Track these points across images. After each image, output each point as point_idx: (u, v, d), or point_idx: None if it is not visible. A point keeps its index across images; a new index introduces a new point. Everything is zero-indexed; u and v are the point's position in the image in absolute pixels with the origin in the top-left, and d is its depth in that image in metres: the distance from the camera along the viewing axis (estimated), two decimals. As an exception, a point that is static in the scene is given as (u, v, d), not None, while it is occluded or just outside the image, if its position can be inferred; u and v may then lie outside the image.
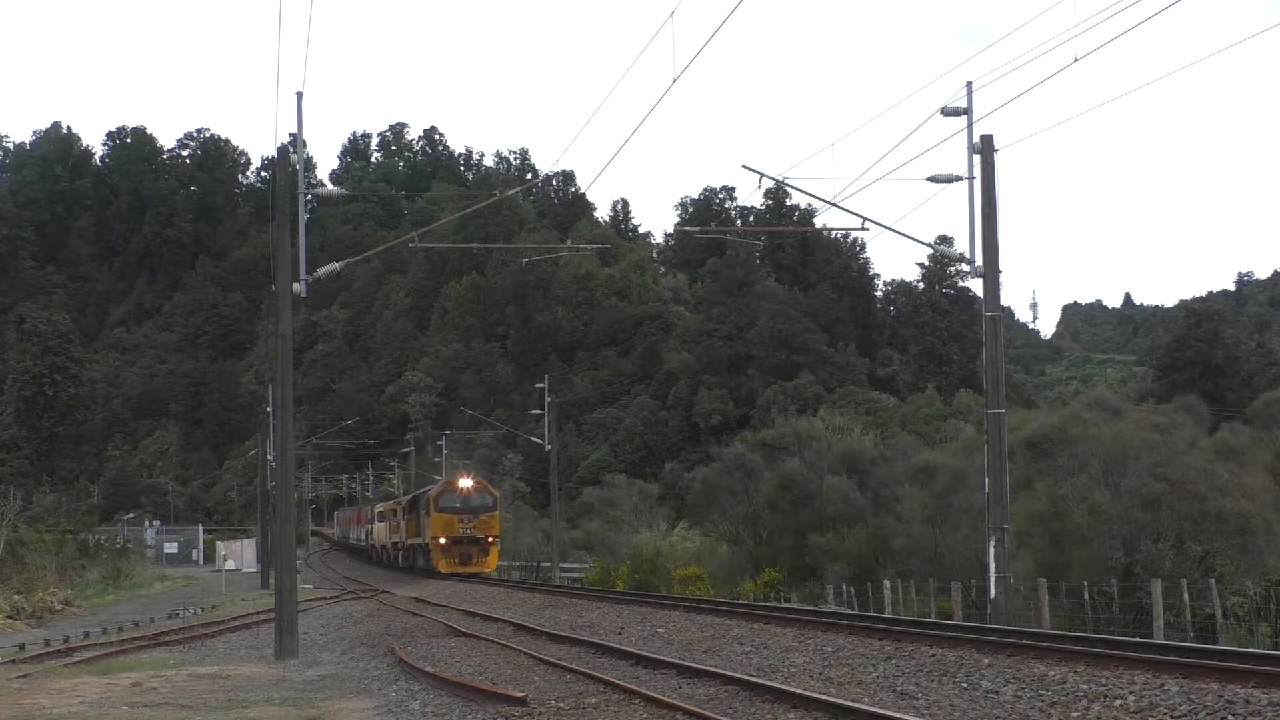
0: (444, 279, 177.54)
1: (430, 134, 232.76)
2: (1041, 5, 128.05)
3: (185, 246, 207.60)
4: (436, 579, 63.83)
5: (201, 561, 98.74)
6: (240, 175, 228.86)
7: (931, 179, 29.35)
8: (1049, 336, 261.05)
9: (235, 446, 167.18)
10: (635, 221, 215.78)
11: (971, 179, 28.52)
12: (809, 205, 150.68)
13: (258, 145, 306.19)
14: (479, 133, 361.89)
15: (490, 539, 66.77)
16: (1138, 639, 22.26)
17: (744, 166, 32.43)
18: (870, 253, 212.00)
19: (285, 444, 27.84)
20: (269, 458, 65.64)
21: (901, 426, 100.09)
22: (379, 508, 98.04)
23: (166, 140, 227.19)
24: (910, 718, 12.76)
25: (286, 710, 16.98)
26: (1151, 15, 21.58)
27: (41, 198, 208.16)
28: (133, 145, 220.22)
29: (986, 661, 16.05)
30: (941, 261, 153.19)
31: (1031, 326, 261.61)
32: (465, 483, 67.80)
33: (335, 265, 29.91)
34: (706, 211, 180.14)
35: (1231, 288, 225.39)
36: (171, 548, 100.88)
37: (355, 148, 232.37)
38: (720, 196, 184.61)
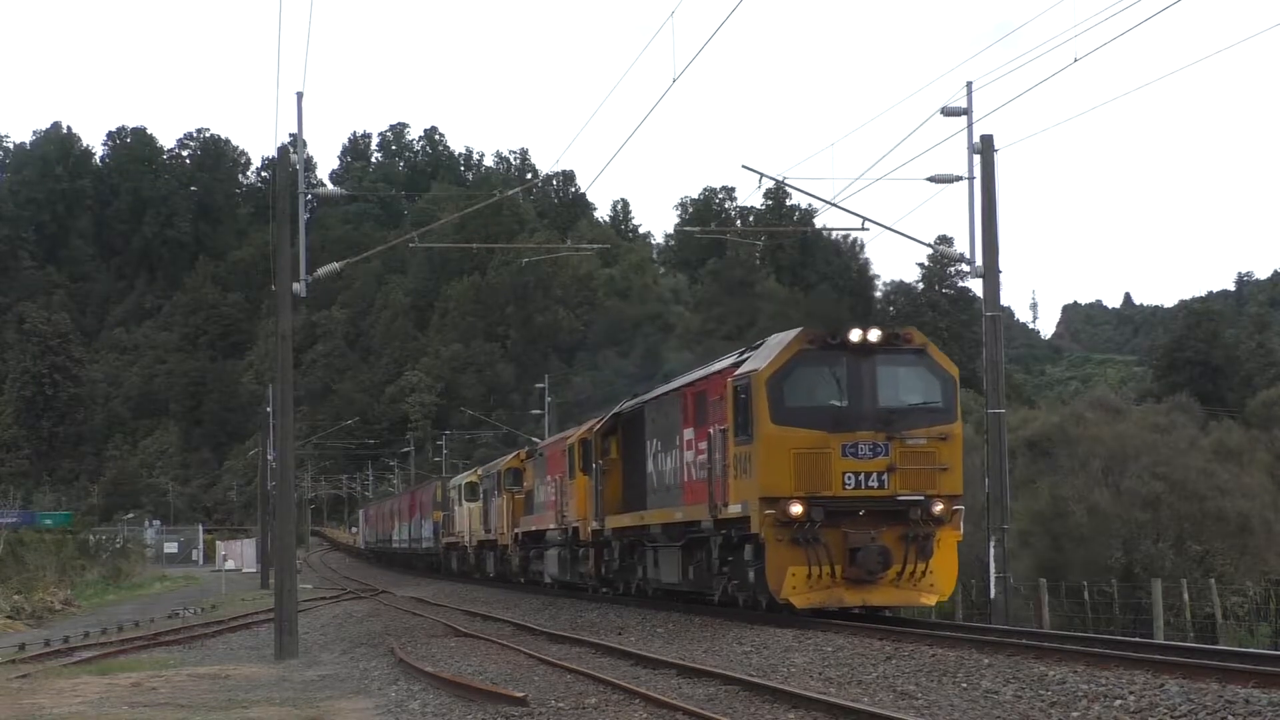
0: (444, 279, 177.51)
1: (430, 134, 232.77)
2: (1042, 5, 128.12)
3: (185, 246, 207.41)
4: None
5: (201, 561, 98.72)
6: (240, 175, 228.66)
7: (931, 179, 29.38)
8: (1049, 336, 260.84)
9: (235, 446, 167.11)
10: (635, 221, 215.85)
11: (971, 179, 28.54)
12: (809, 205, 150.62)
13: (258, 145, 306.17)
14: (479, 133, 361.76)
15: (944, 502, 22.39)
16: (1138, 639, 22.27)
17: (744, 166, 32.56)
18: (870, 253, 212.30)
19: (285, 444, 27.84)
20: (269, 458, 64.11)
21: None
22: (462, 479, 59.00)
23: (166, 140, 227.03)
24: (910, 718, 12.76)
25: (286, 710, 16.99)
26: (1152, 15, 21.43)
27: (41, 198, 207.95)
28: (133, 145, 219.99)
29: (986, 661, 16.06)
30: (941, 261, 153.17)
31: (1031, 326, 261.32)
32: (859, 334, 22.67)
33: (335, 265, 29.93)
34: (706, 211, 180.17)
35: (1231, 288, 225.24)
36: (171, 548, 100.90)
37: (355, 148, 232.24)
38: (720, 196, 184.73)
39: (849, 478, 22.06)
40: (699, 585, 26.49)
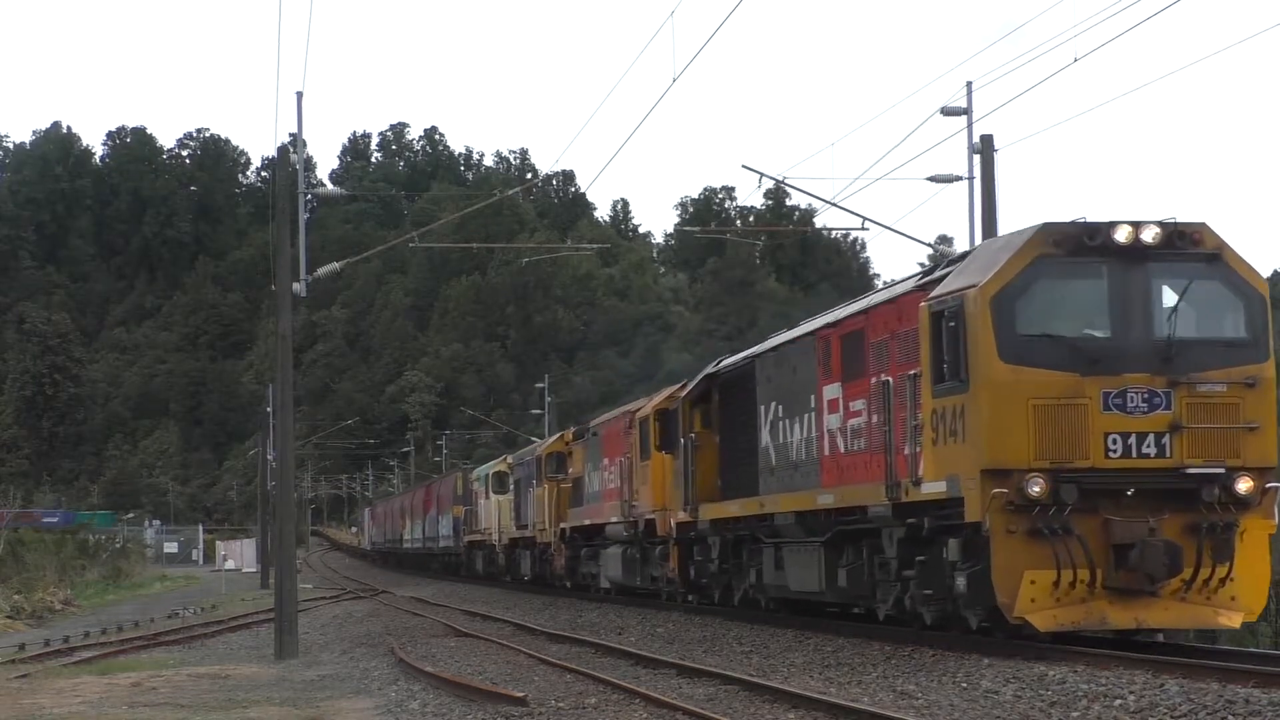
0: (444, 279, 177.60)
1: (430, 134, 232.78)
2: (1042, 5, 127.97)
3: (185, 246, 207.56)
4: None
5: (201, 561, 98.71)
6: (240, 175, 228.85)
7: (931, 179, 29.45)
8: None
9: (235, 446, 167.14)
10: (635, 221, 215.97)
11: (971, 179, 28.60)
12: (809, 205, 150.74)
13: (258, 145, 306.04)
14: (479, 133, 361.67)
15: (1251, 476, 15.93)
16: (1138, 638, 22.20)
17: (744, 166, 32.63)
18: (870, 252, 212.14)
19: (285, 444, 27.84)
20: (269, 458, 63.42)
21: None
22: (489, 468, 52.81)
23: (166, 140, 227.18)
24: (910, 718, 12.77)
25: (286, 710, 16.98)
26: (1152, 15, 21.39)
27: (41, 198, 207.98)
28: (133, 145, 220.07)
29: (986, 661, 16.06)
30: (942, 261, 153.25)
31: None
32: (1128, 231, 16.03)
33: (335, 265, 29.93)
34: (706, 211, 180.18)
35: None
36: (171, 548, 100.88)
37: (355, 148, 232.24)
38: (720, 196, 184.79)
39: (1114, 441, 15.86)
40: (854, 595, 19.89)
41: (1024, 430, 15.72)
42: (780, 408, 22.21)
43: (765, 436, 22.84)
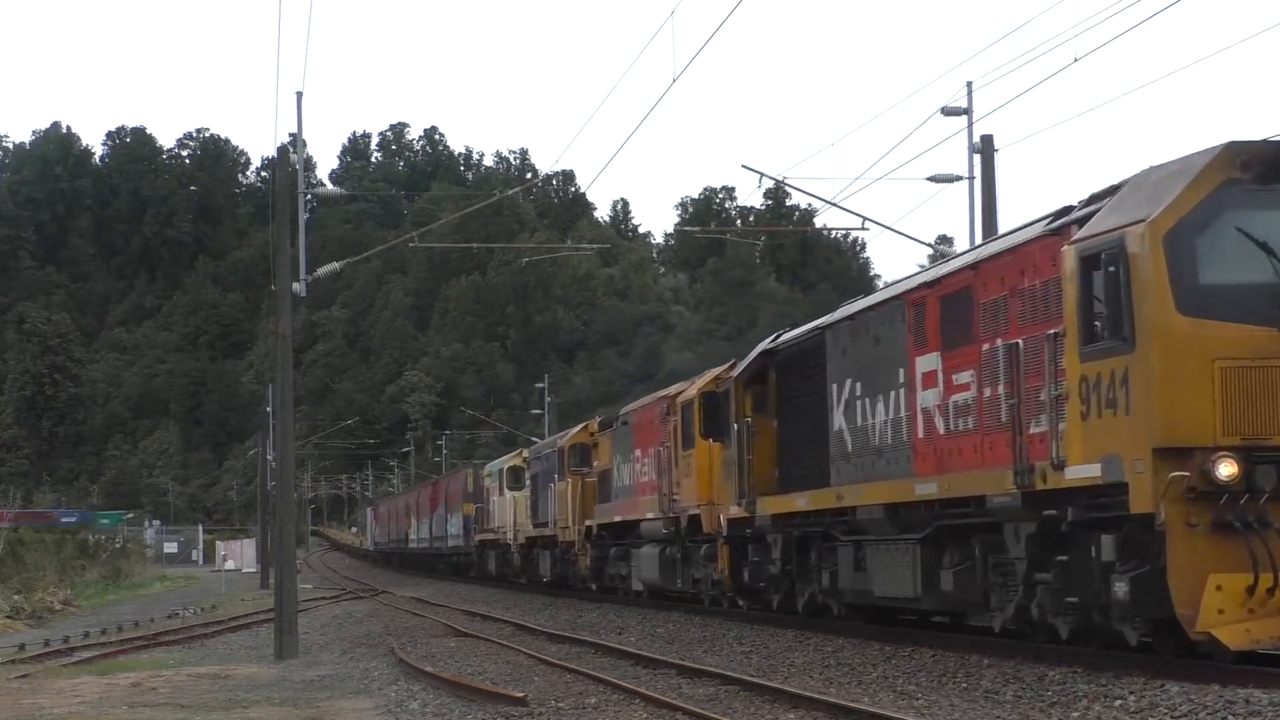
0: (444, 279, 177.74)
1: (430, 134, 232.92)
2: (1042, 5, 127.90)
3: (185, 246, 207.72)
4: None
5: (201, 561, 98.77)
6: (240, 175, 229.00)
7: (931, 179, 29.51)
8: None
9: (235, 446, 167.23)
10: (635, 221, 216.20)
11: (971, 179, 28.64)
12: (809, 205, 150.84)
13: (258, 145, 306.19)
14: (479, 133, 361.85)
15: None
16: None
17: (744, 166, 32.66)
18: (870, 252, 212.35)
19: (285, 444, 27.85)
20: (269, 458, 62.82)
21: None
22: (502, 463, 50.89)
23: (166, 140, 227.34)
24: (910, 718, 12.76)
25: (286, 710, 16.98)
26: (1152, 15, 21.36)
27: (41, 198, 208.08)
28: (132, 145, 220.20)
29: (987, 662, 16.07)
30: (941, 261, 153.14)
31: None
32: None
33: (335, 265, 29.97)
34: (706, 211, 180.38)
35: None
36: (171, 548, 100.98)
37: (355, 148, 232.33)
38: (720, 196, 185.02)
39: None
40: (961, 601, 17.17)
41: (1208, 399, 12.66)
42: (858, 385, 19.25)
43: (838, 419, 19.85)
